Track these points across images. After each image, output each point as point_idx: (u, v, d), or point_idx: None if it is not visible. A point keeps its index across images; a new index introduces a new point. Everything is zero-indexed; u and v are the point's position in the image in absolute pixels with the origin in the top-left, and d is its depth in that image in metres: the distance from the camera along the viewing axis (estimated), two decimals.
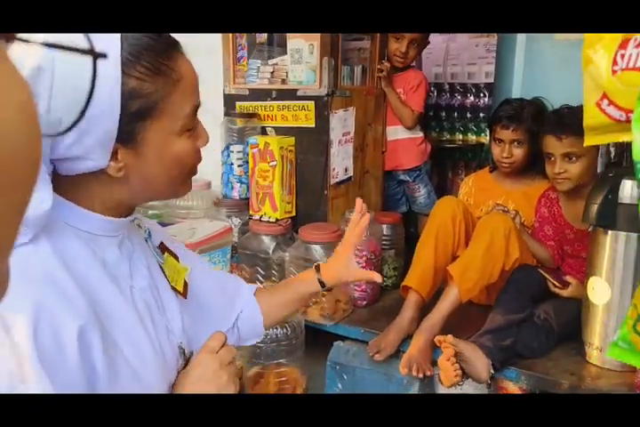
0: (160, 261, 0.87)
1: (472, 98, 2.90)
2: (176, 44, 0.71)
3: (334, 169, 2.10)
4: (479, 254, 1.71)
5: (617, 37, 1.14)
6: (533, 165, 1.94)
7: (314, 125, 2.06)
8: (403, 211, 2.58)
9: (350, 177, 2.21)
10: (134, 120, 0.66)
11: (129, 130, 0.66)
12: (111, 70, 0.62)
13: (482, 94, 2.86)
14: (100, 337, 0.63)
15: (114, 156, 0.67)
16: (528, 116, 1.89)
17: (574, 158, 1.70)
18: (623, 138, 1.18)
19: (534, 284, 1.76)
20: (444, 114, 3.01)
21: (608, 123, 1.19)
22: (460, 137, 2.98)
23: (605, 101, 1.17)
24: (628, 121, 1.08)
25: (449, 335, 1.55)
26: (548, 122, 1.76)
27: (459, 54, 2.90)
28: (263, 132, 2.19)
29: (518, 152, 1.93)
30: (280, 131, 2.15)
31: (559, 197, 1.88)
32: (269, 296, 1.13)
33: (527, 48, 2.69)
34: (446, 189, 3.07)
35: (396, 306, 1.93)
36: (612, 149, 1.65)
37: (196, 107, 0.72)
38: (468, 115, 2.93)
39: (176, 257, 0.93)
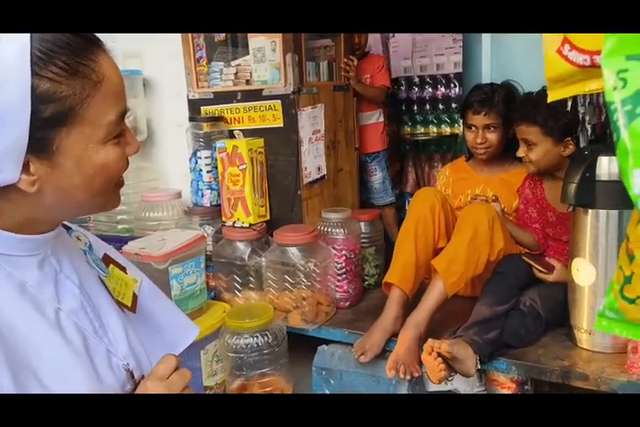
0: (103, 275, 0.80)
1: (443, 89, 2.87)
2: (96, 41, 0.62)
3: (306, 168, 2.04)
4: (463, 247, 1.67)
5: None
6: (509, 150, 1.91)
7: (282, 125, 2.01)
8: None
9: (324, 175, 2.16)
10: (48, 127, 0.59)
11: (42, 138, 0.59)
12: (18, 71, 0.55)
13: (452, 85, 2.83)
14: (4, 362, 0.57)
15: (25, 168, 0.59)
16: (500, 100, 1.86)
17: (531, 145, 1.71)
18: (590, 86, 1.06)
19: (520, 273, 1.73)
20: (415, 107, 2.98)
21: (572, 71, 1.07)
22: (435, 129, 2.95)
23: (567, 46, 1.05)
24: (594, 65, 1.00)
25: (443, 343, 1.49)
26: (517, 109, 1.75)
27: (426, 46, 2.87)
28: (231, 135, 2.13)
29: (492, 137, 1.90)
30: (248, 133, 2.09)
31: (542, 180, 1.86)
32: None
33: (493, 34, 2.67)
34: (424, 182, 3.04)
35: (379, 305, 1.88)
36: (589, 127, 1.62)
37: (123, 113, 0.65)
38: (441, 106, 2.90)
39: (123, 269, 0.86)
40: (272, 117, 2.02)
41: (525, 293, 1.71)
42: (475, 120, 1.90)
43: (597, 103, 1.62)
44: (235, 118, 2.11)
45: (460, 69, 2.77)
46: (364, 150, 2.58)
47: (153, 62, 2.40)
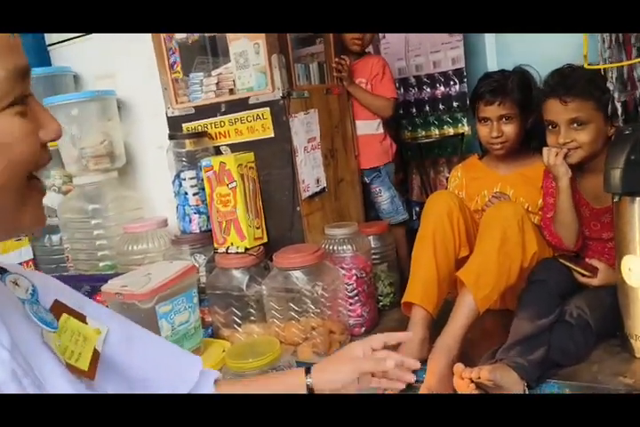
0: (49, 331, 0.59)
1: (442, 88, 2.69)
2: None
3: (304, 181, 1.83)
4: (492, 254, 1.45)
5: None
6: (528, 142, 1.71)
7: (273, 135, 1.81)
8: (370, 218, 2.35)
9: (324, 188, 1.95)
10: None
11: None
12: None
13: (452, 82, 2.65)
14: None
15: None
16: (514, 87, 1.66)
17: (582, 125, 1.47)
18: None
19: (560, 279, 1.51)
20: (414, 110, 2.79)
21: None
22: (437, 131, 2.76)
23: None
24: None
25: (482, 369, 1.27)
26: (548, 84, 1.52)
27: (420, 44, 2.69)
28: (217, 152, 1.93)
29: (509, 129, 1.69)
30: (236, 147, 1.89)
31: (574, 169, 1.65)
32: (233, 389, 0.85)
33: None
34: (430, 189, 2.83)
35: (399, 328, 1.67)
36: (619, 105, 1.42)
37: (21, 70, 0.53)
38: (441, 106, 2.71)
39: (81, 317, 0.66)
40: (261, 128, 1.82)
41: (570, 301, 1.50)
42: (488, 112, 1.69)
43: (631, 78, 1.43)
44: (220, 133, 1.91)
45: (460, 65, 2.59)
46: (360, 166, 2.27)
47: (127, 82, 2.21)
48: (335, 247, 1.80)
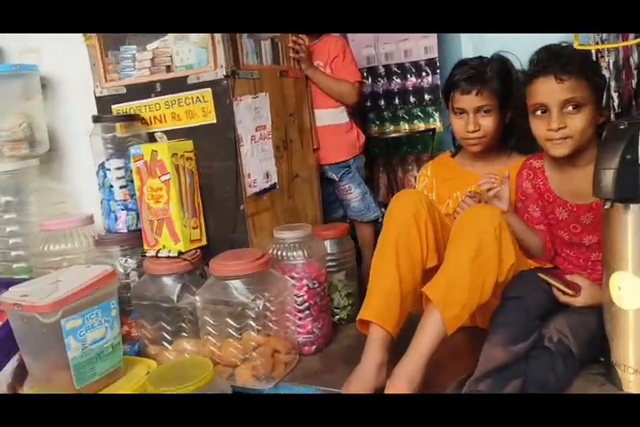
0: None
1: (413, 79, 2.48)
2: None
3: (250, 175, 1.59)
4: (464, 266, 1.23)
5: None
6: (506, 138, 1.50)
7: (214, 121, 1.56)
8: (338, 217, 2.14)
9: (275, 184, 1.70)
10: None
11: None
12: None
13: (424, 73, 2.44)
14: None
15: None
16: (493, 75, 1.46)
17: (576, 108, 1.27)
18: None
19: (540, 297, 1.32)
20: (382, 102, 2.58)
21: None
22: (406, 126, 2.54)
23: None
24: None
25: None
26: (537, 62, 1.32)
27: None
28: (152, 139, 1.67)
29: (487, 123, 1.49)
30: (173, 135, 1.64)
31: (544, 167, 1.44)
32: None
33: None
34: (398, 189, 2.62)
35: (356, 346, 1.45)
36: (615, 96, 1.22)
37: None
38: (412, 99, 2.50)
39: None
40: (201, 112, 1.57)
41: (549, 323, 1.29)
42: (464, 102, 1.48)
43: (626, 66, 1.23)
44: (155, 117, 1.65)
45: (432, 55, 2.39)
46: (324, 159, 2.05)
47: (53, 56, 1.92)
48: (284, 253, 1.56)
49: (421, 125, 2.50)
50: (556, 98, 1.27)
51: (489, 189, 1.40)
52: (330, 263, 1.73)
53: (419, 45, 2.42)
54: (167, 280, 1.50)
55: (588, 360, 1.31)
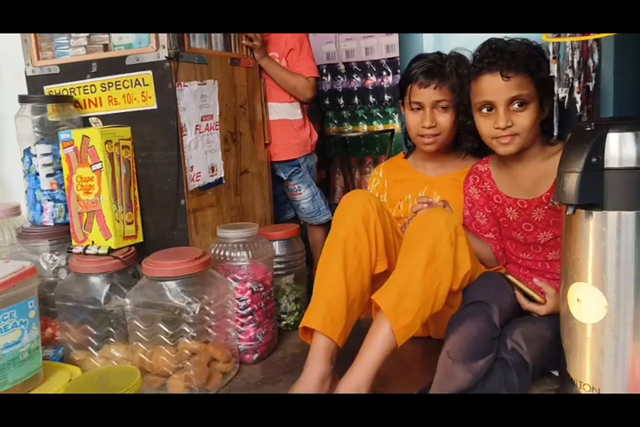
0: None
1: (374, 78, 2.40)
2: None
3: (193, 168, 1.46)
4: (417, 273, 1.14)
5: None
6: (459, 140, 1.44)
7: (155, 107, 1.43)
8: (288, 218, 2.05)
9: (221, 179, 1.58)
10: None
11: None
12: None
13: (385, 72, 2.36)
14: None
15: None
16: (452, 71, 1.39)
17: (522, 105, 1.22)
18: None
19: (504, 302, 1.24)
20: (342, 101, 2.49)
21: None
22: (365, 127, 2.46)
23: None
24: None
25: None
26: (481, 59, 1.26)
27: None
28: (86, 124, 1.52)
29: (444, 120, 1.42)
30: (110, 120, 1.50)
31: (490, 170, 1.38)
32: None
33: None
34: None
35: (303, 355, 1.33)
36: (578, 97, 1.16)
37: None
38: (372, 99, 2.42)
39: None
40: (141, 97, 1.44)
41: (505, 332, 1.21)
42: (421, 96, 1.41)
43: (585, 66, 1.18)
44: (90, 100, 1.51)
45: (394, 54, 2.31)
46: (274, 156, 1.93)
47: None
48: (228, 253, 1.45)
49: (380, 126, 2.43)
50: (502, 96, 1.22)
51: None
52: (278, 266, 1.63)
53: (380, 43, 2.35)
54: (95, 280, 1.36)
55: (539, 373, 1.24)
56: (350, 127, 2.50)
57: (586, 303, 1.11)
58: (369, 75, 2.41)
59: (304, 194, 2.00)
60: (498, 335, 1.18)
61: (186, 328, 1.30)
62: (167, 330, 1.30)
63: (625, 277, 1.05)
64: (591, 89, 1.23)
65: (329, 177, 2.62)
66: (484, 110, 1.25)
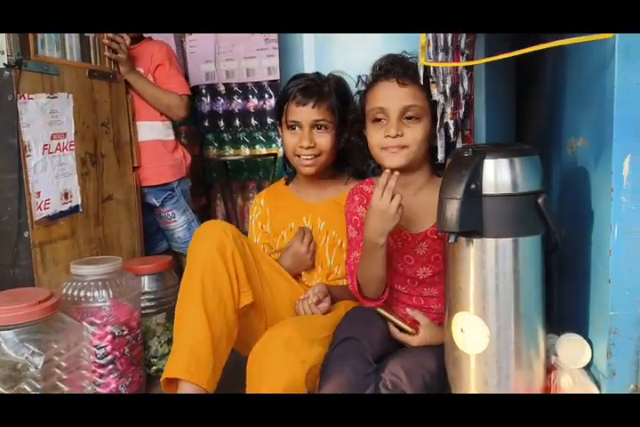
0: None
1: (255, 100, 2.31)
2: None
3: (40, 194, 1.25)
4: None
5: None
6: (342, 163, 1.38)
7: None
8: (161, 250, 1.87)
9: (77, 207, 1.38)
10: None
11: None
12: None
13: (267, 95, 2.29)
14: None
15: None
16: (331, 91, 1.34)
17: (413, 119, 1.19)
18: None
19: (377, 336, 1.17)
20: (222, 123, 2.37)
21: None
22: (247, 151, 2.35)
23: None
24: None
25: None
26: (381, 66, 1.22)
27: (232, 46, 2.30)
28: None
29: (322, 140, 1.35)
30: None
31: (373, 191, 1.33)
32: None
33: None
34: (237, 220, 2.41)
35: None
36: (451, 123, 1.15)
37: None
38: (253, 122, 2.32)
39: None
40: None
41: (384, 366, 1.14)
42: (299, 114, 1.33)
43: (457, 93, 1.18)
44: None
45: (276, 76, 2.23)
46: (144, 180, 1.76)
47: None
48: (83, 293, 1.26)
49: (263, 150, 2.33)
50: (396, 103, 1.19)
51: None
52: (147, 303, 1.47)
53: (262, 65, 2.27)
54: None
55: None
56: (231, 151, 2.38)
57: (469, 333, 1.06)
58: (250, 97, 2.32)
59: (179, 221, 1.83)
60: (374, 370, 1.11)
61: (25, 387, 1.08)
62: (2, 390, 1.07)
63: (504, 306, 1.02)
64: (461, 116, 1.23)
65: (209, 203, 2.47)
66: (378, 115, 1.20)
